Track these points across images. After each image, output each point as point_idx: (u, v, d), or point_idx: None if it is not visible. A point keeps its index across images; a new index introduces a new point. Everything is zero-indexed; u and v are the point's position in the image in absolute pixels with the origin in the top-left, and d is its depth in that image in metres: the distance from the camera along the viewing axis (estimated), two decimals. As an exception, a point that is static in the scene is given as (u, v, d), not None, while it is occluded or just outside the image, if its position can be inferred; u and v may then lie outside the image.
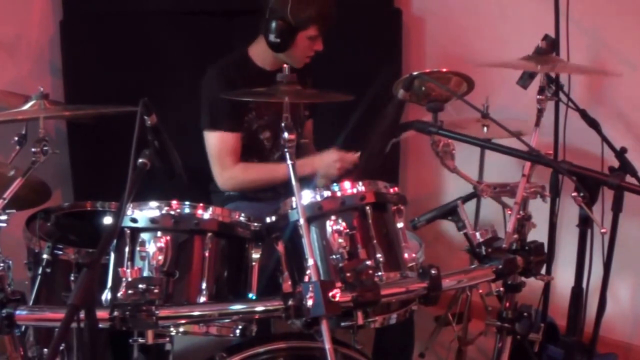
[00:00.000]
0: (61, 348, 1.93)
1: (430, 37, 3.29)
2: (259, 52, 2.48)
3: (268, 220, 1.79)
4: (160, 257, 1.62)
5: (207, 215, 1.71)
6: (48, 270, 1.96)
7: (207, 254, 1.68)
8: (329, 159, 2.38)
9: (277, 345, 1.79)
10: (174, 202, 1.69)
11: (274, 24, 2.33)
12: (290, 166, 1.62)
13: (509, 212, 1.89)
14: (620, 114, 2.76)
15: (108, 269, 1.68)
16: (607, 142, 2.30)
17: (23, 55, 2.78)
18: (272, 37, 2.35)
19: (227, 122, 2.40)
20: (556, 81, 2.28)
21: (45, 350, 2.03)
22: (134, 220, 1.66)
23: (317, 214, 1.68)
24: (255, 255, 1.79)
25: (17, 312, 1.49)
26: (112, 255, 1.69)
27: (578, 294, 1.99)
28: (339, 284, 1.52)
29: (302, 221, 1.57)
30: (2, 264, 1.62)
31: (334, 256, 1.61)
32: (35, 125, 1.81)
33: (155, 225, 1.66)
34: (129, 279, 1.52)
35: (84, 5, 2.83)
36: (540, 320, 2.46)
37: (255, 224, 1.79)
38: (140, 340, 1.58)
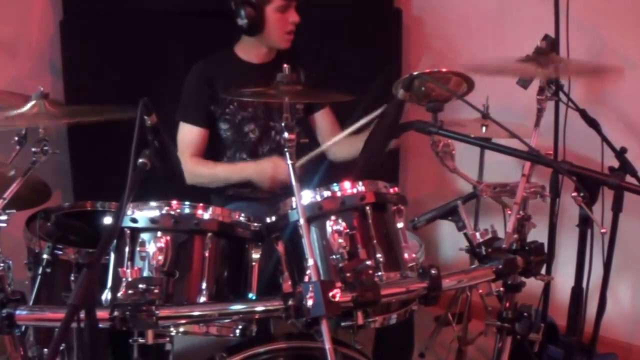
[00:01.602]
0: (61, 348, 1.93)
1: (430, 37, 3.29)
2: (244, 48, 2.54)
3: (268, 220, 1.79)
4: (160, 257, 1.61)
5: (207, 215, 1.71)
6: (48, 270, 1.96)
7: (207, 254, 1.68)
8: (263, 168, 2.41)
9: (277, 345, 1.79)
10: (174, 202, 1.69)
11: (241, 11, 2.38)
12: (290, 166, 1.62)
13: (509, 212, 1.89)
14: (620, 114, 2.76)
15: (108, 269, 1.68)
16: (607, 142, 2.30)
17: (23, 55, 2.78)
18: (242, 23, 2.40)
19: (196, 117, 2.49)
20: (556, 81, 2.28)
21: (45, 350, 2.03)
22: (134, 220, 1.66)
23: (317, 214, 1.68)
24: (255, 255, 1.79)
25: (17, 312, 1.49)
26: (112, 255, 1.69)
27: (578, 294, 1.99)
28: (339, 284, 1.52)
29: (302, 221, 1.57)
30: (2, 264, 1.62)
31: (334, 256, 1.61)
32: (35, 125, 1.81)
33: (155, 225, 1.66)
34: (129, 279, 1.52)
35: (84, 5, 2.83)
36: (540, 320, 2.46)
37: (255, 224, 1.78)
38: (140, 340, 1.58)
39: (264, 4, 2.38)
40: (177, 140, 2.51)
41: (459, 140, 1.81)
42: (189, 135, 2.50)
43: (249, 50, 2.53)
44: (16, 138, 1.89)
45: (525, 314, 1.86)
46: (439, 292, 1.62)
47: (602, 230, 1.75)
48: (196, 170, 2.47)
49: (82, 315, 1.25)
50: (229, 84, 2.40)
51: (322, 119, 2.69)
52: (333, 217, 1.66)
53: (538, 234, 1.92)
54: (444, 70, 1.95)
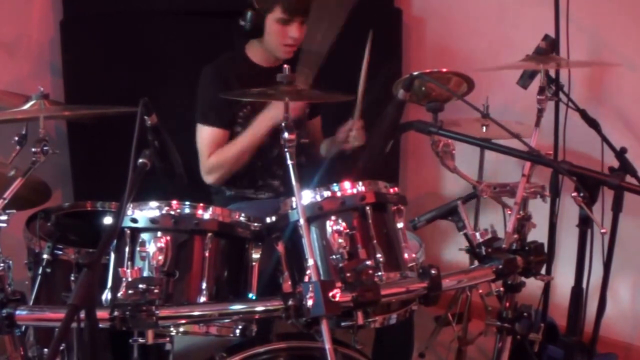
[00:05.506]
0: (61, 348, 1.93)
1: (430, 37, 3.29)
2: (254, 49, 2.52)
3: (268, 220, 1.79)
4: (161, 257, 1.62)
5: (207, 215, 1.71)
6: (48, 270, 1.96)
7: (207, 254, 1.68)
8: (277, 105, 2.27)
9: (277, 345, 1.79)
10: (174, 202, 1.69)
11: (246, 13, 2.39)
12: (290, 166, 1.62)
13: (509, 212, 1.89)
14: (620, 114, 2.76)
15: (108, 269, 1.68)
16: (607, 142, 2.30)
17: (23, 55, 2.78)
18: (243, 24, 2.40)
19: (215, 118, 2.43)
20: (556, 81, 2.28)
21: (45, 350, 2.03)
22: (134, 221, 1.66)
23: (317, 214, 1.68)
24: (255, 255, 1.79)
25: (17, 312, 1.49)
26: (112, 255, 1.69)
27: (578, 294, 1.99)
28: (339, 284, 1.52)
29: (302, 221, 1.57)
30: (2, 264, 1.62)
31: (334, 256, 1.61)
32: (35, 125, 1.81)
33: (155, 226, 1.66)
34: (129, 279, 1.52)
35: (84, 5, 2.83)
36: (540, 320, 2.46)
37: (255, 224, 1.78)
38: (140, 340, 1.58)
39: (266, 12, 2.37)
40: (198, 142, 2.44)
41: (459, 140, 1.81)
42: (208, 136, 2.43)
43: (257, 53, 2.51)
44: (16, 138, 1.89)
45: (525, 314, 1.86)
46: (439, 292, 1.62)
47: (602, 230, 1.75)
48: (217, 160, 2.41)
49: (82, 315, 1.25)
50: (242, 86, 2.38)
51: (316, 125, 2.70)
52: (333, 217, 1.66)
53: (538, 234, 1.92)
54: (444, 70, 1.95)
